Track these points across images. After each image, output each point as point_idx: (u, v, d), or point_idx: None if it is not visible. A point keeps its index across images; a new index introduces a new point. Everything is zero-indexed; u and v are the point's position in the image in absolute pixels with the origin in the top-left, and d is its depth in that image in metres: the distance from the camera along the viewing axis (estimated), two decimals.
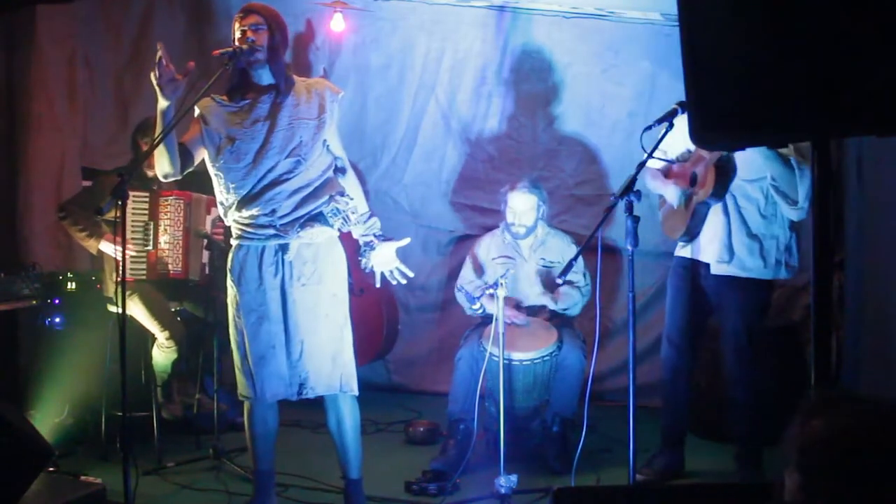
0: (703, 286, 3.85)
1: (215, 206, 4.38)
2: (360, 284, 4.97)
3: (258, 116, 3.21)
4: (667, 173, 3.99)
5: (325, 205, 3.24)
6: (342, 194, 3.31)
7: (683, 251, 3.92)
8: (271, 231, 3.22)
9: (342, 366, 3.33)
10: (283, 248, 3.23)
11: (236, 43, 3.16)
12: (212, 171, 3.30)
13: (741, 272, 3.73)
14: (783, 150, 3.48)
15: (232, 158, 3.21)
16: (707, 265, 3.81)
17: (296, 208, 3.21)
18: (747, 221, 3.72)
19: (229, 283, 3.31)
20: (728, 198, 3.72)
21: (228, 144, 3.21)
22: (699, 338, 3.99)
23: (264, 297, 3.23)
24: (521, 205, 4.35)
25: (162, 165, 3.17)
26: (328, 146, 3.33)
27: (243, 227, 3.27)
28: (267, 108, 3.21)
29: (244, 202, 3.22)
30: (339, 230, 3.31)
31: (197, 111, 3.28)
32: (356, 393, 3.37)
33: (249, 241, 3.26)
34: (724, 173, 3.65)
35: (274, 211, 3.20)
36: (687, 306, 3.89)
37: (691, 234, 3.82)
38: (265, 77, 3.24)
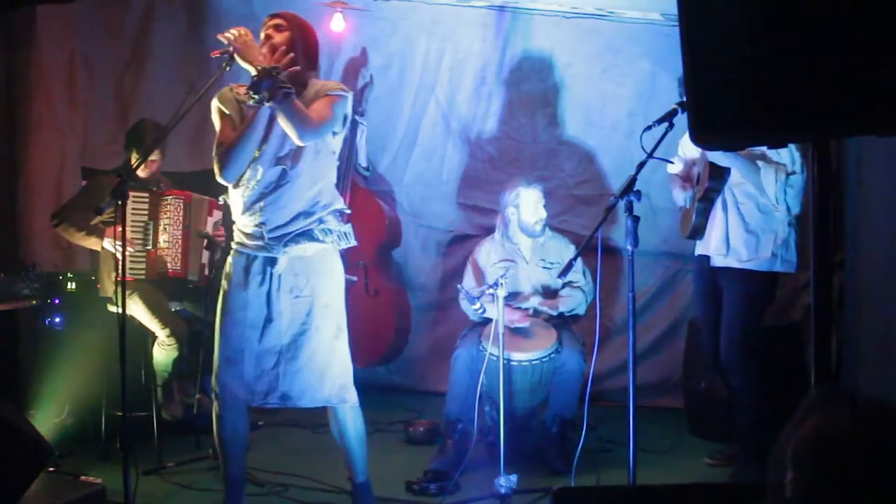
0: (712, 279, 3.95)
1: (217, 208, 4.41)
2: (375, 286, 4.96)
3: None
4: (684, 177, 4.12)
5: (315, 224, 3.18)
6: (339, 212, 3.26)
7: (699, 248, 4.01)
8: (261, 243, 3.16)
9: (333, 378, 3.26)
10: (272, 262, 3.17)
11: (262, 47, 3.08)
12: None
13: (737, 263, 3.81)
14: (741, 151, 3.60)
15: None
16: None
17: (286, 223, 3.14)
18: (745, 218, 3.79)
19: (222, 283, 3.28)
20: (728, 195, 3.80)
21: None
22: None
23: (244, 303, 3.17)
24: (535, 199, 4.37)
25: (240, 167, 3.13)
26: (328, 152, 3.22)
27: (239, 235, 3.23)
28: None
29: (242, 209, 3.18)
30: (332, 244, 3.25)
31: (216, 105, 3.19)
32: (352, 403, 3.30)
33: (242, 249, 3.22)
34: (718, 169, 3.76)
35: (264, 223, 3.13)
36: (707, 301, 4.00)
37: (697, 231, 3.94)
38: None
